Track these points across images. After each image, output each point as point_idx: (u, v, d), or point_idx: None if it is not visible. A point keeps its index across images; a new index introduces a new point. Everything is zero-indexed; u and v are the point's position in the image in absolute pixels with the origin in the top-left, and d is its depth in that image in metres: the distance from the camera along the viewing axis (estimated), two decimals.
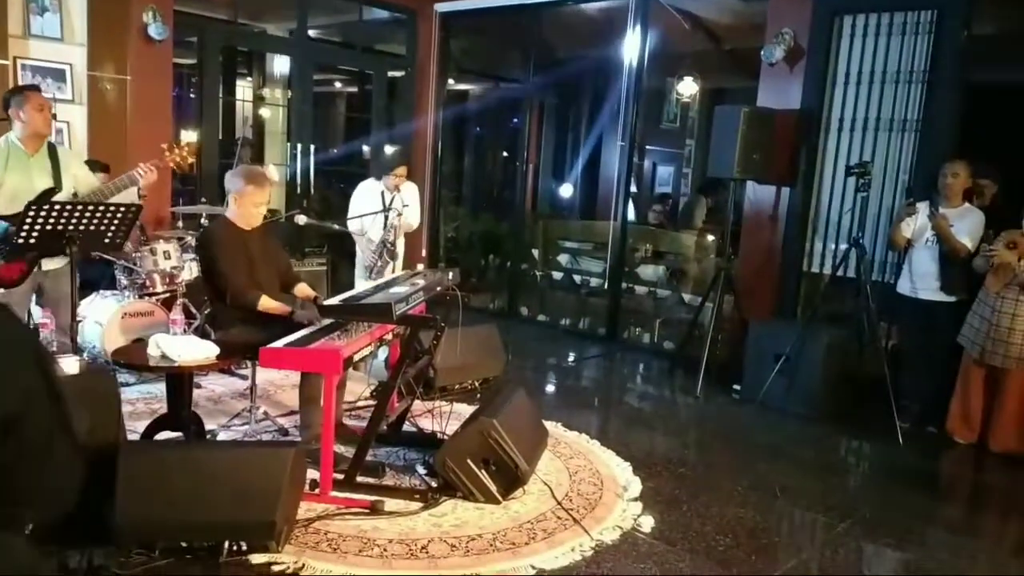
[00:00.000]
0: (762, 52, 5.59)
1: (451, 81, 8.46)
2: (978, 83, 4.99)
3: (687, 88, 9.43)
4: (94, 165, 5.08)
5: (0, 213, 3.66)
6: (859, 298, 4.94)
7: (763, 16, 5.78)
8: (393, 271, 5.32)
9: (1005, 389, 4.44)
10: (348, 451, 3.54)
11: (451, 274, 4.08)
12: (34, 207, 3.42)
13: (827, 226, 5.53)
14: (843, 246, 5.18)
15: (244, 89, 9.33)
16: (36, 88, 4.00)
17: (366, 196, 5.31)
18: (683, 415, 4.98)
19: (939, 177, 4.70)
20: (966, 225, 4.60)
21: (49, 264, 3.88)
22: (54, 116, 5.03)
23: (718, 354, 5.66)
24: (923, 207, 4.70)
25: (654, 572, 2.92)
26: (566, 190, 10.23)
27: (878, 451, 4.50)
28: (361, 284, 5.32)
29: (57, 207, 3.46)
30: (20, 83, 5.29)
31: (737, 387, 5.40)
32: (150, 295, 4.85)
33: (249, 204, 3.84)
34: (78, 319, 3.84)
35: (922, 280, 4.74)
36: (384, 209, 5.16)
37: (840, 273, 5.05)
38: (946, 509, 3.91)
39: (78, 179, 4.01)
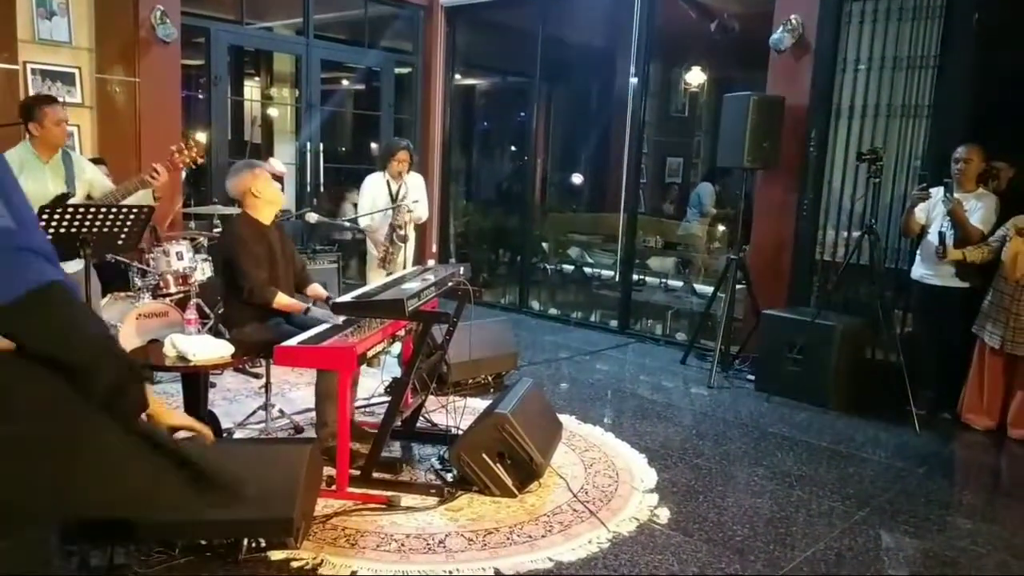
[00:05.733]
0: (770, 40, 5.56)
1: (458, 76, 8.45)
2: (996, 64, 4.93)
3: (695, 78, 9.38)
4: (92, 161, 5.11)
5: None
6: (873, 285, 4.92)
7: (771, 3, 5.73)
8: (405, 255, 5.38)
9: None
10: (364, 448, 3.55)
11: (462, 269, 4.09)
12: (47, 210, 3.44)
13: (839, 213, 5.49)
14: (856, 233, 5.15)
15: (252, 89, 9.35)
16: (55, 100, 4.02)
17: (373, 189, 5.40)
18: (697, 406, 4.97)
19: (952, 162, 4.66)
20: (980, 210, 4.57)
21: (64, 268, 3.90)
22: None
23: (731, 344, 5.65)
24: (936, 192, 4.66)
25: (671, 563, 2.92)
26: (575, 183, 10.20)
27: (894, 438, 4.47)
28: (374, 276, 5.40)
29: (70, 210, 3.48)
30: (30, 88, 5.33)
31: (751, 377, 5.40)
32: (164, 296, 4.88)
33: (267, 183, 3.87)
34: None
35: (936, 266, 4.70)
36: (394, 204, 5.23)
37: (853, 260, 5.02)
38: (965, 496, 3.88)
39: (92, 184, 4.06)
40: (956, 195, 4.57)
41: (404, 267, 5.34)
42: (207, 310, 5.10)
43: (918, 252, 4.87)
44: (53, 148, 3.93)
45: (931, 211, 4.72)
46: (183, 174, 6.32)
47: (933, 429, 4.61)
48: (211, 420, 3.64)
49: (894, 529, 3.33)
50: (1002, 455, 4.41)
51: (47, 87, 5.46)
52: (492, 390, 4.88)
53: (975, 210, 4.59)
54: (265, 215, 3.90)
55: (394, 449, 3.86)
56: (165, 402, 4.25)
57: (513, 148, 10.41)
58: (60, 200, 3.79)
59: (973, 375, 4.64)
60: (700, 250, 7.82)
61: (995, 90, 4.79)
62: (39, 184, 3.84)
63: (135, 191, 3.96)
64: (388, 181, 5.39)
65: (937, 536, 3.29)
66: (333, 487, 3.25)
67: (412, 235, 5.54)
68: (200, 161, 4.26)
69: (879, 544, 3.21)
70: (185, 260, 4.94)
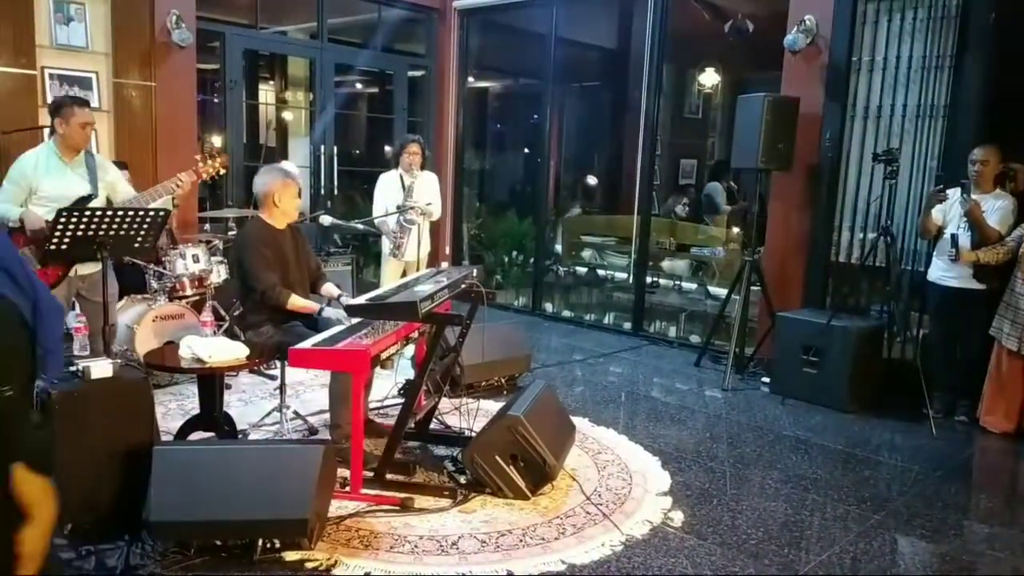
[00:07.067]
0: (785, 40, 5.54)
1: (471, 79, 8.46)
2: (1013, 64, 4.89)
3: (709, 79, 9.35)
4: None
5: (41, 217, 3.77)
6: (889, 287, 4.88)
7: (785, 4, 5.71)
8: (419, 257, 5.43)
9: None
10: (379, 449, 3.56)
11: (475, 271, 4.09)
12: (64, 213, 3.48)
13: (855, 215, 5.45)
14: (871, 235, 5.11)
15: (267, 93, 9.40)
16: (86, 103, 4.05)
17: (384, 185, 5.52)
18: (711, 408, 4.95)
19: (969, 164, 4.62)
20: (998, 211, 4.54)
21: (84, 269, 3.96)
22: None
23: (745, 346, 5.63)
24: (953, 193, 4.63)
25: (685, 566, 2.91)
26: (589, 185, 10.20)
27: (910, 442, 4.44)
28: (388, 269, 5.46)
29: (87, 214, 3.52)
30: (48, 93, 5.39)
31: (766, 379, 5.37)
32: (180, 298, 4.92)
33: (291, 196, 3.92)
34: (110, 322, 3.91)
35: (953, 267, 4.66)
36: (404, 195, 5.36)
37: (869, 262, 4.99)
38: (982, 500, 3.84)
39: (114, 187, 4.10)
40: (974, 196, 4.53)
41: (418, 268, 5.37)
42: (223, 312, 5.14)
43: (935, 254, 4.83)
44: (74, 150, 3.96)
45: (948, 212, 4.68)
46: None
47: (950, 432, 4.57)
48: (226, 421, 3.66)
49: (910, 533, 3.31)
50: (1020, 459, 4.37)
51: (64, 92, 5.51)
52: (505, 392, 4.88)
53: (993, 211, 4.55)
54: (278, 222, 3.94)
55: (408, 451, 3.87)
56: (169, 408, 4.31)
57: (526, 150, 10.43)
58: (83, 201, 3.84)
59: (991, 378, 4.59)
60: (722, 252, 7.77)
61: (1012, 90, 4.75)
62: (61, 184, 3.88)
63: (160, 197, 4.06)
64: (400, 175, 5.49)
65: (954, 540, 3.26)
66: (347, 488, 3.27)
67: (426, 235, 5.59)
68: (224, 172, 4.39)
69: (895, 548, 3.18)
70: (201, 263, 4.99)
